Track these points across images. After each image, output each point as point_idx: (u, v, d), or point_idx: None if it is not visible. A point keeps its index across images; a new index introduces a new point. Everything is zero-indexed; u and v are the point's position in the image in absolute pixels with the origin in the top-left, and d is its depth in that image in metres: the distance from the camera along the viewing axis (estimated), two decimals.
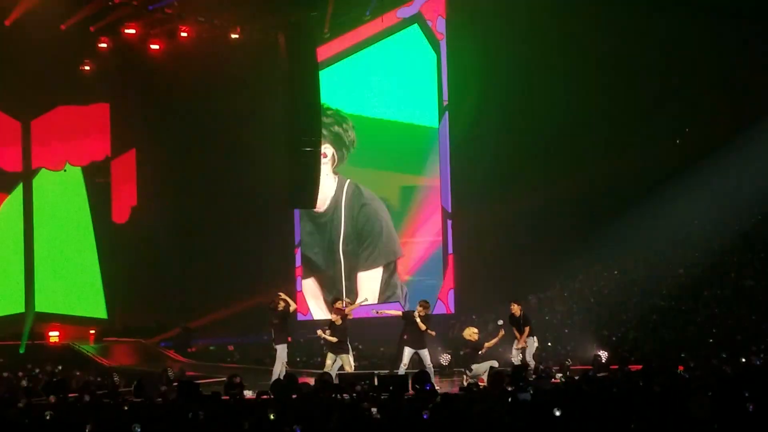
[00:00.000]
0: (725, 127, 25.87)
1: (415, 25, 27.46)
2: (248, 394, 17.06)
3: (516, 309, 19.96)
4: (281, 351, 19.16)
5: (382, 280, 27.01)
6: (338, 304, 19.82)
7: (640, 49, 26.29)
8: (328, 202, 27.60)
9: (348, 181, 27.62)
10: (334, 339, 19.17)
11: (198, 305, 27.94)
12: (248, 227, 27.82)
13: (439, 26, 27.15)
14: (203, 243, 28.24)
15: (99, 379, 20.17)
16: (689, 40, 25.84)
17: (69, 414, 12.86)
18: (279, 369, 19.05)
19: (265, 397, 14.90)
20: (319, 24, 26.93)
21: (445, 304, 26.54)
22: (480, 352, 19.78)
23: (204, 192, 28.27)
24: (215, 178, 28.17)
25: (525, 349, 19.74)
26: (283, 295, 19.72)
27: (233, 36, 26.68)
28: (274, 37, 26.41)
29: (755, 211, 25.78)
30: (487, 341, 19.85)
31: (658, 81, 26.53)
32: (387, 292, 26.97)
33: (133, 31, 25.95)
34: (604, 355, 21.82)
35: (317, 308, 27.90)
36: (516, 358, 19.83)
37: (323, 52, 27.36)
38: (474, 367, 19.57)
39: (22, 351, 25.87)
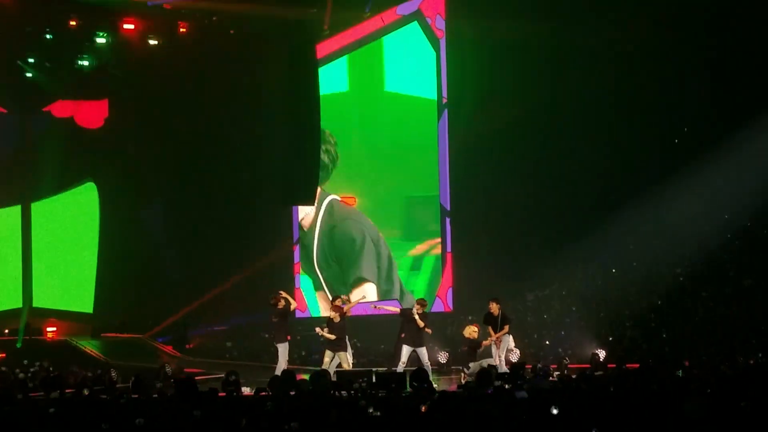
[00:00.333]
0: (724, 125, 25.84)
1: (415, 22, 27.44)
2: (246, 390, 17.07)
3: (494, 308, 19.84)
4: (282, 350, 19.14)
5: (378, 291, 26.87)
6: (337, 302, 19.83)
7: (639, 46, 26.27)
8: (310, 221, 27.64)
9: (328, 198, 27.53)
10: (332, 336, 19.17)
11: (196, 301, 27.90)
12: (247, 223, 27.78)
13: (438, 24, 27.13)
14: (202, 239, 28.19)
15: (97, 373, 20.14)
16: (687, 39, 25.81)
17: (67, 410, 12.85)
18: (283, 368, 19.01)
19: (263, 393, 14.90)
20: (318, 21, 26.95)
21: (443, 302, 26.53)
22: (479, 351, 19.84)
23: (202, 188, 28.22)
24: (214, 174, 28.11)
25: (499, 345, 19.64)
26: (283, 293, 19.72)
27: (232, 32, 26.66)
28: (274, 33, 26.47)
29: (754, 210, 25.76)
30: (485, 340, 19.93)
31: (657, 79, 26.50)
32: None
33: (132, 26, 25.93)
34: (602, 353, 21.85)
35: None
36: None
37: (323, 48, 27.36)
38: (472, 365, 19.62)
39: (19, 345, 25.85)
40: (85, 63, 26.88)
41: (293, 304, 19.96)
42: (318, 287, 27.46)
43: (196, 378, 18.01)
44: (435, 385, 17.25)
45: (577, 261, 26.30)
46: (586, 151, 26.48)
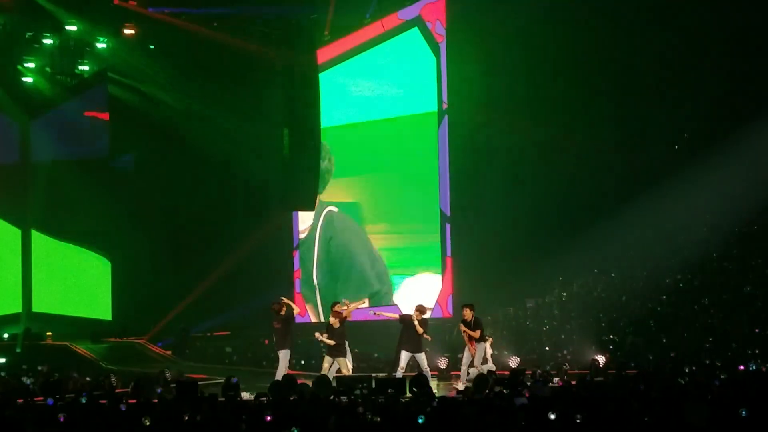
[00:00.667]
0: (724, 130, 25.83)
1: (415, 28, 27.45)
2: (246, 396, 17.07)
3: (467, 313, 19.75)
4: (284, 355, 19.10)
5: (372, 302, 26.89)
6: (337, 307, 19.81)
7: (638, 51, 26.25)
8: (308, 231, 27.67)
9: (327, 208, 27.56)
10: (331, 342, 19.15)
11: (196, 306, 27.91)
12: (247, 229, 27.80)
13: (438, 30, 27.15)
14: (202, 244, 28.22)
15: (98, 379, 20.13)
16: (685, 42, 25.79)
17: (67, 415, 12.85)
18: (283, 373, 18.98)
19: (263, 399, 14.90)
20: (319, 26, 27.01)
21: (443, 308, 26.52)
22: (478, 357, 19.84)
23: (203, 193, 28.25)
24: (215, 180, 28.16)
25: (472, 351, 19.58)
26: (285, 300, 19.70)
27: (233, 36, 26.71)
28: (275, 37, 26.52)
29: (755, 217, 25.74)
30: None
31: (656, 84, 26.49)
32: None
33: (132, 31, 25.97)
34: (601, 359, 21.84)
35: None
36: (488, 366, 19.70)
37: (323, 54, 27.40)
38: (471, 370, 19.60)
39: (19, 350, 25.84)
40: (86, 68, 26.93)
41: (296, 310, 19.95)
42: (309, 299, 27.63)
43: (196, 383, 18.04)
44: (434, 391, 17.25)
45: (577, 267, 26.28)
46: (587, 157, 26.48)
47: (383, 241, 27.80)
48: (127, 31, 25.97)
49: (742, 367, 18.79)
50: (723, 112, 26.12)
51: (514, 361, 22.41)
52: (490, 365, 19.79)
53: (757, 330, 23.01)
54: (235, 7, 26.44)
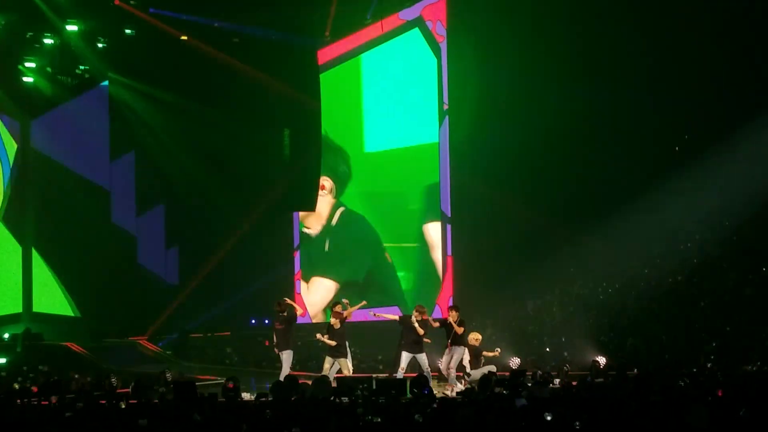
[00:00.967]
0: (725, 130, 25.80)
1: (416, 29, 27.45)
2: (246, 396, 17.07)
3: (451, 315, 19.76)
4: (287, 356, 19.09)
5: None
6: (337, 308, 19.81)
7: (637, 53, 26.24)
8: (320, 228, 27.71)
9: (341, 209, 27.60)
10: (332, 342, 19.15)
11: (196, 307, 27.91)
12: (248, 229, 27.80)
13: (439, 30, 27.15)
14: (202, 244, 28.22)
15: (97, 379, 20.13)
16: (683, 43, 25.76)
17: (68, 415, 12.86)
18: (286, 374, 18.96)
19: (264, 399, 14.90)
20: (320, 27, 27.03)
21: (443, 309, 26.48)
22: (480, 358, 19.87)
23: (203, 196, 28.24)
24: (215, 182, 28.14)
25: (449, 353, 19.59)
26: (288, 300, 19.71)
27: (234, 39, 26.73)
28: (276, 40, 26.56)
29: (755, 218, 25.71)
30: (486, 350, 20.02)
31: (655, 85, 26.45)
32: None
33: (132, 33, 25.98)
34: (602, 360, 21.83)
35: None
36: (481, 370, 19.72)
37: (324, 54, 27.42)
38: (472, 372, 19.62)
39: (19, 350, 25.83)
40: (86, 68, 26.94)
41: (299, 311, 19.97)
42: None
43: (196, 383, 18.04)
44: (435, 392, 17.25)
45: (577, 268, 26.28)
46: (587, 158, 26.46)
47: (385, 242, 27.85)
48: (127, 33, 25.98)
49: (743, 368, 18.80)
50: (723, 112, 26.07)
51: (514, 362, 22.38)
52: (468, 371, 19.88)
53: (758, 331, 23.00)
54: (235, 23, 26.44)
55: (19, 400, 16.31)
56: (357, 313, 20.77)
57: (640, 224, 25.96)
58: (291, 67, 26.56)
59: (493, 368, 19.55)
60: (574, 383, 17.21)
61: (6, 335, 26.75)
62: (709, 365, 20.66)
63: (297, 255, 28.48)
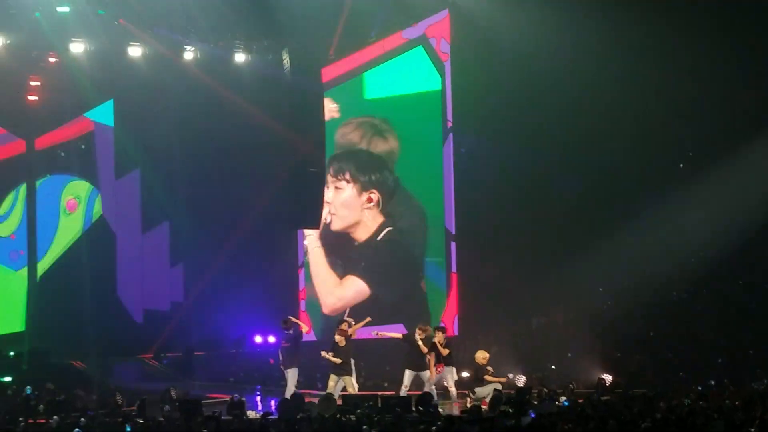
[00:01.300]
0: (732, 142, 25.77)
1: (420, 47, 27.50)
2: (251, 414, 17.06)
3: (436, 336, 19.95)
4: (292, 374, 19.09)
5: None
6: (343, 326, 19.82)
7: (643, 66, 26.23)
8: (364, 239, 27.55)
9: (389, 228, 27.46)
10: (337, 360, 19.16)
11: (201, 324, 27.87)
12: (252, 247, 27.78)
13: (443, 48, 27.20)
14: (207, 262, 28.19)
15: (104, 397, 20.10)
16: (691, 52, 25.75)
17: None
18: (292, 392, 18.95)
19: (269, 417, 14.89)
20: (324, 45, 27.10)
21: (449, 327, 26.43)
22: (485, 376, 19.87)
23: (207, 212, 28.22)
24: (219, 198, 28.13)
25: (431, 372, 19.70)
26: (293, 319, 19.72)
27: (237, 57, 26.79)
28: (280, 58, 26.61)
29: (760, 233, 25.66)
30: (492, 372, 20.10)
31: (662, 97, 26.40)
32: None
33: (137, 51, 26.04)
34: (608, 378, 21.79)
35: None
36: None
37: (328, 72, 27.47)
38: (477, 389, 19.62)
39: (24, 368, 25.77)
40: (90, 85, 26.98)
41: (305, 328, 20.00)
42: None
43: (202, 402, 18.03)
44: (440, 410, 17.23)
45: (582, 284, 26.24)
46: (592, 175, 26.48)
47: None
48: (132, 51, 26.02)
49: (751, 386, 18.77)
50: (729, 127, 26.09)
51: (520, 380, 22.35)
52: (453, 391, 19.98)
53: (764, 346, 22.97)
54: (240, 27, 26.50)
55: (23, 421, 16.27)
56: (362, 331, 20.77)
57: (646, 240, 25.95)
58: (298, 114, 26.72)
59: (498, 386, 19.53)
60: (581, 401, 17.19)
61: (11, 353, 26.71)
62: (712, 382, 20.65)
63: (301, 273, 28.44)
